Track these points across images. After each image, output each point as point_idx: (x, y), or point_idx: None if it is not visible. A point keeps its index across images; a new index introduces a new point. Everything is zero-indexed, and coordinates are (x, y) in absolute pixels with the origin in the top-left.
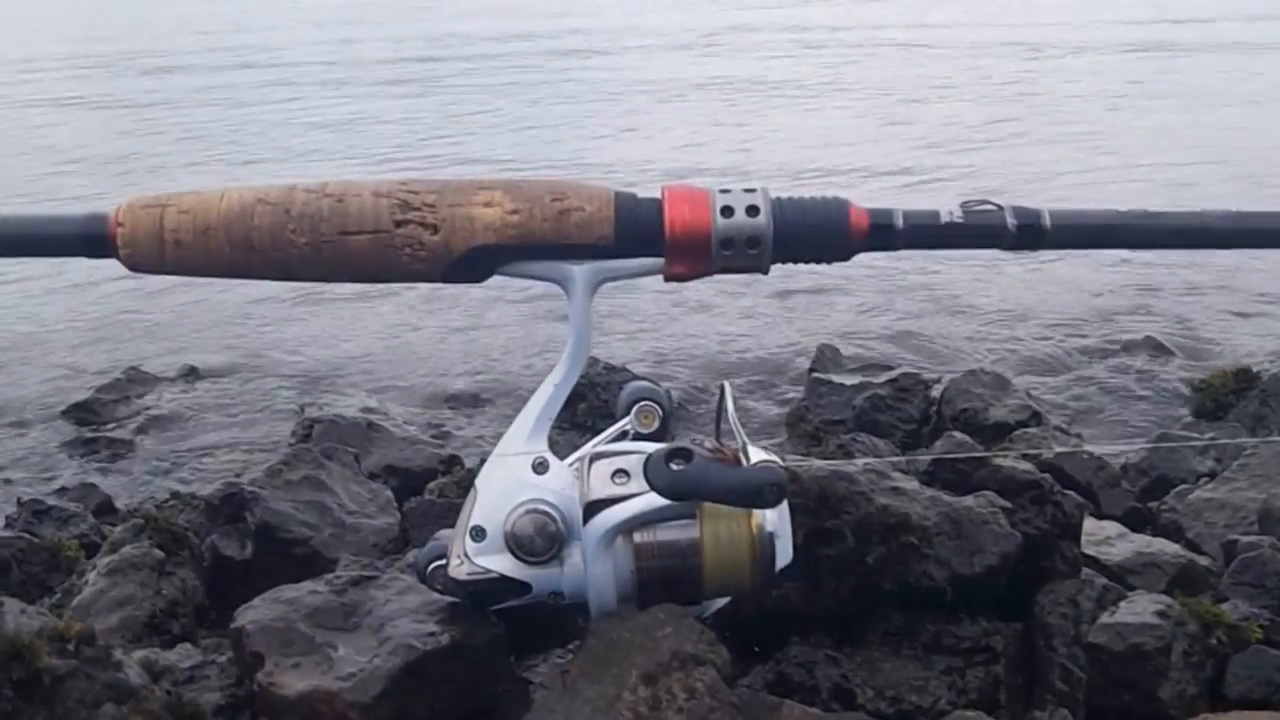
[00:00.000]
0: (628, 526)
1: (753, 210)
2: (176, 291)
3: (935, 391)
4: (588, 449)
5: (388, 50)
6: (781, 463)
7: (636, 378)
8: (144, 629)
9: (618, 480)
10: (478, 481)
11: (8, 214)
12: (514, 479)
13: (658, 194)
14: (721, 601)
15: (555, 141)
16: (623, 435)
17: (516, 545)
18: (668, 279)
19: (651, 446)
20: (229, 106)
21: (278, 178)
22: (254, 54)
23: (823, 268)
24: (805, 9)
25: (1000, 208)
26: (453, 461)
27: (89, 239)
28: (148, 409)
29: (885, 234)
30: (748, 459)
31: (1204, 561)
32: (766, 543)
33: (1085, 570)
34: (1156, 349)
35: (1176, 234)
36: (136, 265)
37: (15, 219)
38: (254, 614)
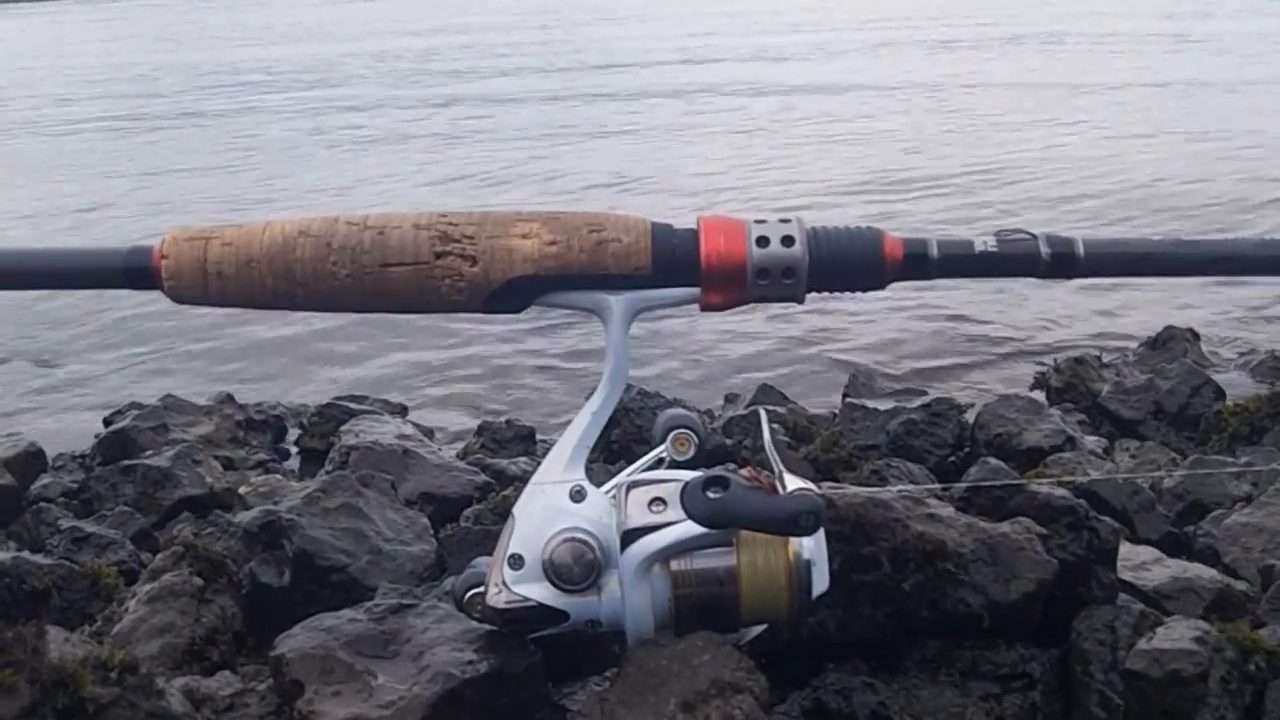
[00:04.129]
0: (665, 554)
1: (788, 240)
2: (213, 320)
3: (969, 416)
4: (624, 477)
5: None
6: (818, 490)
7: (671, 404)
8: (184, 656)
9: (654, 508)
10: (515, 510)
11: (55, 247)
12: (552, 507)
13: (693, 224)
14: (758, 629)
15: None
16: (658, 463)
17: (554, 573)
18: (704, 308)
19: (688, 474)
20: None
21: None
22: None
23: (857, 295)
24: None
25: (1034, 237)
26: (488, 488)
27: (134, 272)
28: (185, 436)
29: (920, 264)
30: (784, 487)
31: (1241, 586)
32: (803, 570)
33: (1122, 596)
34: (1190, 373)
35: (1208, 262)
36: (180, 297)
37: (62, 252)
38: (294, 642)
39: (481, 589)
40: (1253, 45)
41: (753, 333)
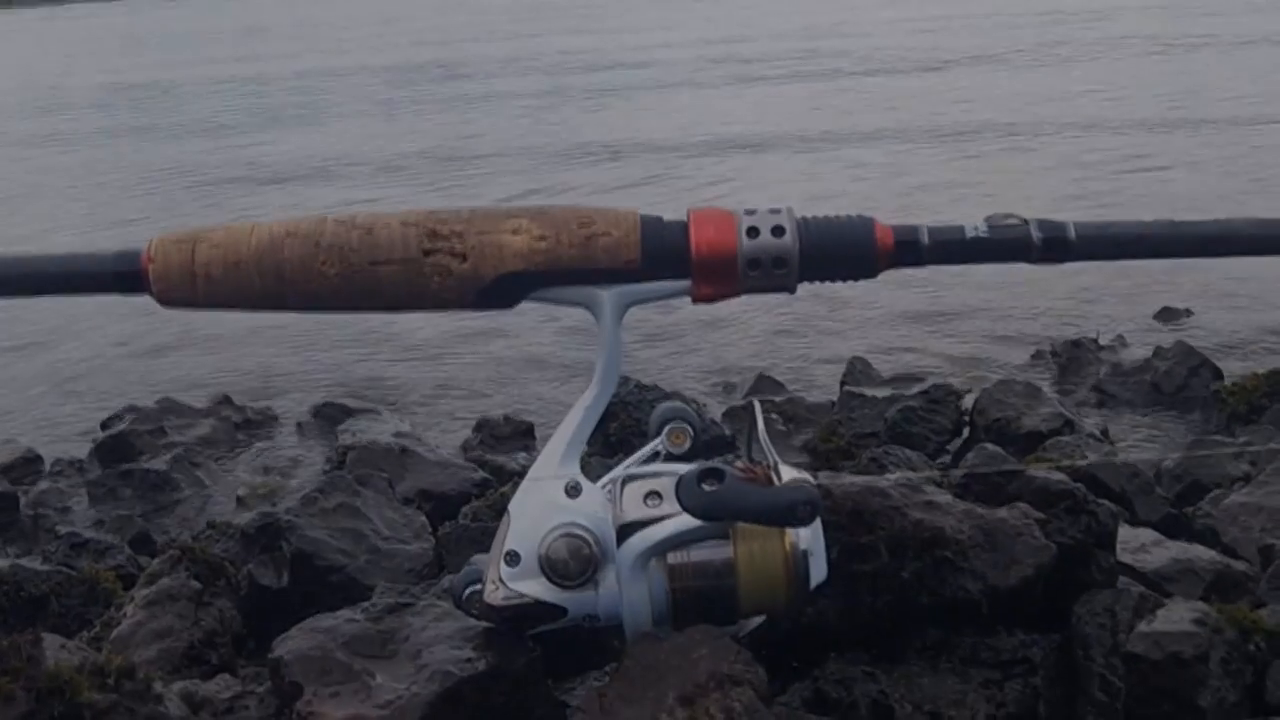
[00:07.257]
0: (662, 548)
1: (778, 230)
2: (208, 322)
3: (967, 402)
4: (619, 471)
5: None
6: (813, 480)
7: (667, 396)
8: (183, 660)
9: (650, 502)
10: (511, 506)
11: (42, 253)
12: (547, 503)
13: (683, 216)
14: (757, 621)
15: None
16: (654, 456)
17: (551, 569)
18: (695, 300)
19: (683, 467)
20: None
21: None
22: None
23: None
24: None
25: (1025, 221)
26: (486, 485)
27: (122, 276)
28: (182, 439)
29: (911, 251)
30: (779, 477)
31: (1241, 566)
32: (801, 561)
33: (1121, 579)
34: (1188, 353)
35: (1203, 243)
36: (169, 300)
37: (49, 258)
38: (291, 644)
39: (480, 586)
40: None
41: (749, 323)
